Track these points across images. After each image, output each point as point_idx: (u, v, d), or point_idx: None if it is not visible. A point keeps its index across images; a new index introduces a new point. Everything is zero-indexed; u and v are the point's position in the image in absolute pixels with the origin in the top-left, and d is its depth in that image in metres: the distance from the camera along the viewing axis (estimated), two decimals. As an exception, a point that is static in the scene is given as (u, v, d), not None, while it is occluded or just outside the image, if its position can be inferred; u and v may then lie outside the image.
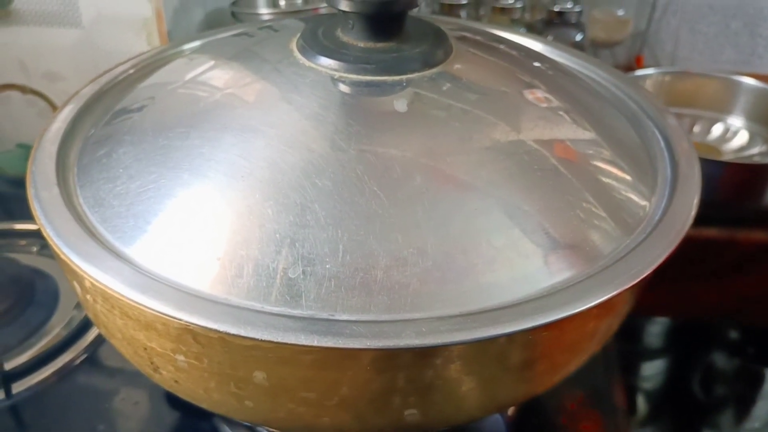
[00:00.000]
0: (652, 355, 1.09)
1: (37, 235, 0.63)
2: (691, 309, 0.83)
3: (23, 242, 0.63)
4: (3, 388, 0.47)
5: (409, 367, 0.28)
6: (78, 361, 0.51)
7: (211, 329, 0.27)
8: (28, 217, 0.63)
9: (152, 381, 0.34)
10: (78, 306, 0.56)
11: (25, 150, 0.71)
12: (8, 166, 0.73)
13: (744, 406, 0.98)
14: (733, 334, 1.03)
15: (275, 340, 0.27)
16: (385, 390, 0.29)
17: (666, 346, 1.08)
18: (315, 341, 0.27)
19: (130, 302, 0.28)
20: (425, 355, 0.28)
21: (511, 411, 0.46)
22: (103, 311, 0.31)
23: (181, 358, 0.30)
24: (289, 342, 0.27)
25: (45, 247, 0.62)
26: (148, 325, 0.29)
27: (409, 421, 0.30)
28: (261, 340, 0.27)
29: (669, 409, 1.03)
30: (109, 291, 0.29)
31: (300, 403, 0.29)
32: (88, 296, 0.31)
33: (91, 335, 0.53)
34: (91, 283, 0.30)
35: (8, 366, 0.49)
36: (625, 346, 1.07)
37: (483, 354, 0.28)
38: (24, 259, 0.61)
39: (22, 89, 0.67)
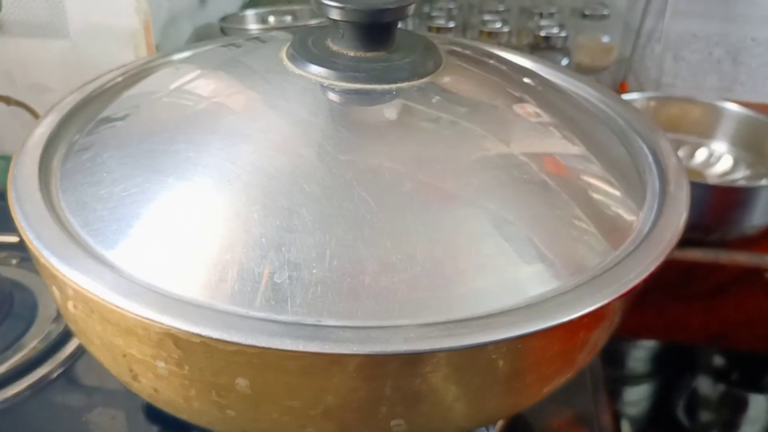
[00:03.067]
0: (636, 380, 1.09)
1: (17, 247, 0.62)
2: (676, 332, 0.83)
3: (3, 254, 0.62)
4: (-23, 401, 0.46)
5: (397, 374, 0.27)
6: (54, 375, 0.50)
7: (193, 333, 0.27)
8: (8, 229, 0.62)
9: (130, 393, 0.33)
10: (56, 319, 0.55)
11: (8, 162, 0.70)
12: (-10, 178, 0.72)
13: (728, 431, 0.98)
14: (718, 360, 1.04)
15: (260, 345, 0.26)
16: (372, 398, 0.28)
17: (650, 371, 1.08)
18: (301, 346, 0.26)
19: (110, 306, 0.28)
20: (413, 362, 0.27)
21: (498, 428, 0.45)
22: (82, 316, 0.30)
23: (161, 364, 0.29)
24: (274, 347, 0.26)
25: (25, 260, 0.61)
26: (128, 330, 0.28)
27: (395, 432, 0.30)
28: (245, 345, 0.26)
29: (653, 436, 1.02)
30: (89, 294, 0.28)
31: (284, 412, 0.29)
32: (68, 301, 0.31)
33: (68, 349, 0.52)
34: (71, 286, 0.29)
35: (-7, 374, 0.47)
36: (610, 371, 1.07)
37: (472, 362, 0.28)
38: (3, 271, 0.59)
39: (7, 100, 0.66)
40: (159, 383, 0.30)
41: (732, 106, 0.86)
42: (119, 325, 0.28)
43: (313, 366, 0.27)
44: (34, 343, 0.52)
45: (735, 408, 1.03)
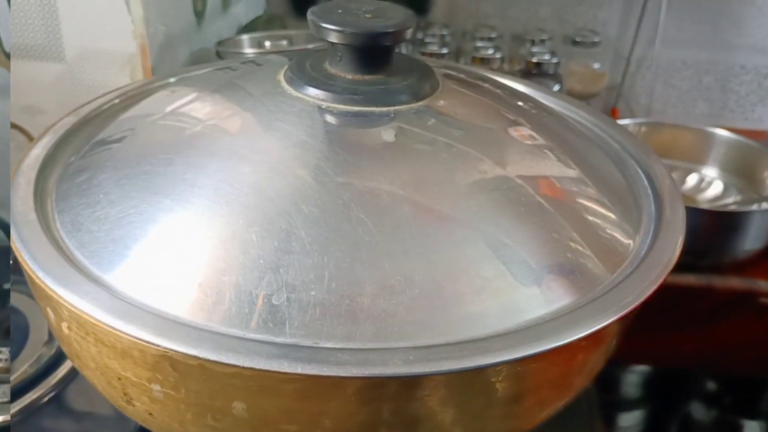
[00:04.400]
0: (629, 405, 1.08)
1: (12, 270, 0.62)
2: (669, 357, 0.83)
3: (-6, 277, 0.61)
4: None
5: (395, 398, 0.27)
6: (45, 399, 0.50)
7: (190, 356, 0.26)
8: None
9: (122, 419, 0.33)
10: (47, 343, 0.54)
11: None
12: (-19, 201, 0.71)
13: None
14: (710, 385, 1.03)
15: (257, 367, 0.26)
16: (370, 422, 0.28)
17: (643, 397, 1.07)
18: (299, 369, 0.26)
19: (106, 327, 0.27)
20: (412, 385, 0.27)
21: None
22: (76, 338, 0.30)
23: (157, 387, 0.28)
24: (271, 369, 0.26)
25: (17, 283, 0.61)
26: (123, 352, 0.28)
27: (393, 457, 0.29)
28: (242, 367, 0.26)
29: (646, 465, 1.01)
30: (84, 316, 0.28)
31: (281, 436, 0.28)
32: (63, 323, 0.30)
33: (60, 373, 0.52)
34: (65, 307, 0.28)
35: (-26, 403, 0.47)
36: (605, 396, 1.06)
37: (470, 385, 0.28)
38: (-7, 293, 0.59)
39: (1, 122, 0.66)
40: (154, 407, 0.30)
41: (722, 132, 0.87)
42: (115, 347, 0.28)
43: (310, 389, 0.27)
44: (24, 367, 0.51)
45: (729, 435, 1.03)
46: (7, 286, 0.61)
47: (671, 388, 1.05)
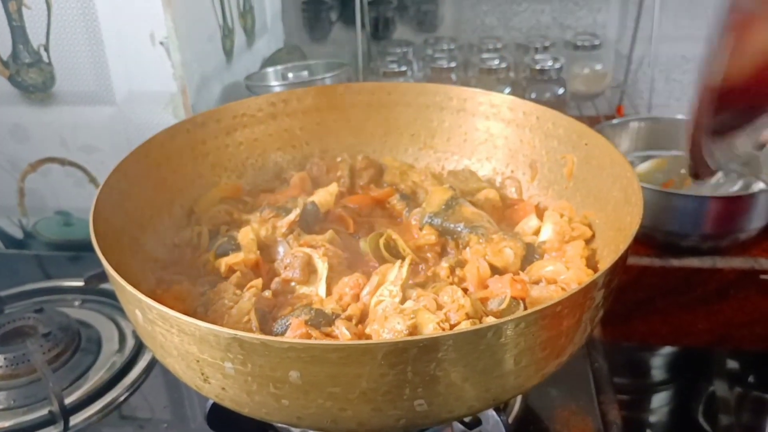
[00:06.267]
0: (655, 388, 1.13)
1: (79, 290, 0.70)
2: (683, 336, 0.88)
3: (68, 297, 0.70)
4: (63, 420, 0.53)
5: (416, 360, 0.34)
6: (122, 398, 0.57)
7: (255, 337, 0.34)
8: (66, 276, 0.70)
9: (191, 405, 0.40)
10: (119, 351, 0.62)
11: (63, 217, 0.79)
12: (47, 232, 0.80)
13: (750, 433, 1.02)
14: (731, 364, 1.08)
15: (306, 343, 0.33)
16: (397, 382, 0.35)
17: (669, 378, 1.12)
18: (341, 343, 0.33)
19: (188, 321, 0.35)
20: (428, 349, 0.34)
21: (511, 419, 0.51)
22: (161, 332, 0.38)
23: (228, 365, 0.36)
24: (318, 343, 0.33)
25: (87, 301, 0.69)
26: (201, 338, 0.36)
27: (419, 411, 0.36)
28: (295, 342, 0.33)
29: (676, 441, 1.06)
30: (171, 313, 0.36)
31: (328, 397, 0.36)
32: (149, 321, 0.38)
33: (132, 375, 0.59)
34: (154, 308, 0.36)
35: (67, 401, 0.55)
36: (630, 381, 1.11)
37: (474, 346, 0.35)
38: (68, 311, 0.67)
39: (62, 162, 0.75)
40: (226, 382, 0.37)
41: (720, 122, 0.92)
42: (194, 335, 0.36)
43: (349, 356, 0.34)
44: (101, 373, 0.59)
45: (754, 410, 1.07)
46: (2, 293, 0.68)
47: (695, 369, 1.10)
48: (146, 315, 0.38)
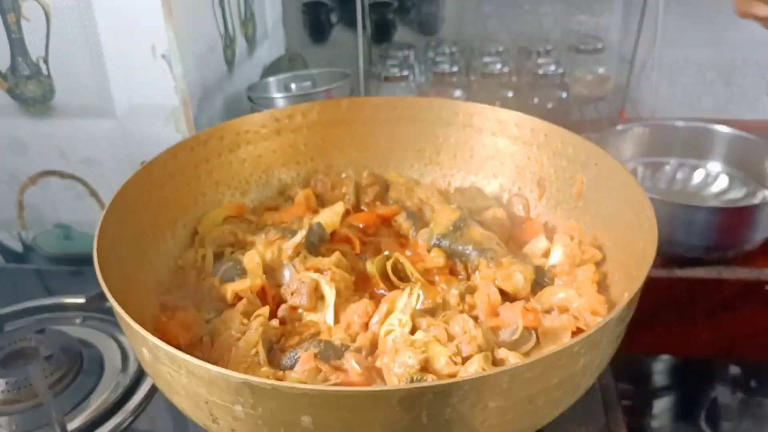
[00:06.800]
0: (657, 393, 1.13)
1: (80, 308, 0.69)
2: (687, 347, 0.88)
3: (69, 314, 0.68)
4: (66, 448, 0.52)
5: (431, 405, 0.34)
6: (127, 423, 0.56)
7: (266, 382, 0.33)
8: (66, 291, 0.69)
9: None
10: (122, 371, 0.61)
11: (62, 230, 0.78)
12: (46, 245, 0.79)
13: (752, 439, 1.01)
14: (734, 369, 1.07)
15: (320, 388, 0.33)
16: (412, 427, 0.34)
17: (671, 384, 1.12)
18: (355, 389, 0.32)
19: (197, 364, 0.34)
20: (444, 394, 0.33)
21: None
22: (170, 372, 0.37)
23: (238, 408, 0.35)
24: (332, 389, 0.32)
25: (88, 318, 0.68)
26: (211, 381, 0.35)
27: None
28: (309, 389, 0.33)
29: (679, 448, 1.06)
30: (179, 355, 0.35)
31: (340, 442, 0.35)
32: (156, 360, 0.37)
33: (137, 398, 0.58)
34: (163, 349, 0.35)
35: (71, 427, 0.53)
36: (632, 387, 1.11)
37: (492, 390, 0.34)
38: (70, 330, 0.66)
39: (61, 175, 0.74)
40: (236, 424, 0.36)
41: (722, 128, 0.91)
42: (203, 377, 0.35)
43: (363, 402, 0.33)
44: (105, 395, 0.58)
45: (757, 416, 1.07)
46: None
47: (697, 375, 1.10)
48: (154, 354, 0.37)
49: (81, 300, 0.67)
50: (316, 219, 0.54)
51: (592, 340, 0.36)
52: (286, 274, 0.51)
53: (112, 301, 0.39)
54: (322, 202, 0.61)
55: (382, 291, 0.50)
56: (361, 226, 0.58)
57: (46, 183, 0.75)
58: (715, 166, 0.92)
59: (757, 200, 0.85)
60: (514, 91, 1.04)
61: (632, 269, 0.47)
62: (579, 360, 0.37)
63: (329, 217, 0.54)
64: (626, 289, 0.48)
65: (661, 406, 1.16)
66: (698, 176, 0.92)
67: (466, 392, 0.34)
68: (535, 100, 1.04)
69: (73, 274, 0.77)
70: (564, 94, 1.05)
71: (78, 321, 0.68)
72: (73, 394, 0.58)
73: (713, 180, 0.91)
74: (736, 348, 0.87)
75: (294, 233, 0.53)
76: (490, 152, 0.61)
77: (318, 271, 0.50)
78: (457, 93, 1.03)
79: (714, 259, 0.81)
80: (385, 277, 0.51)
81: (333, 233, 0.55)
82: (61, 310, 0.69)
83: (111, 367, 0.62)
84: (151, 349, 0.37)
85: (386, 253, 0.52)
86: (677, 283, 0.84)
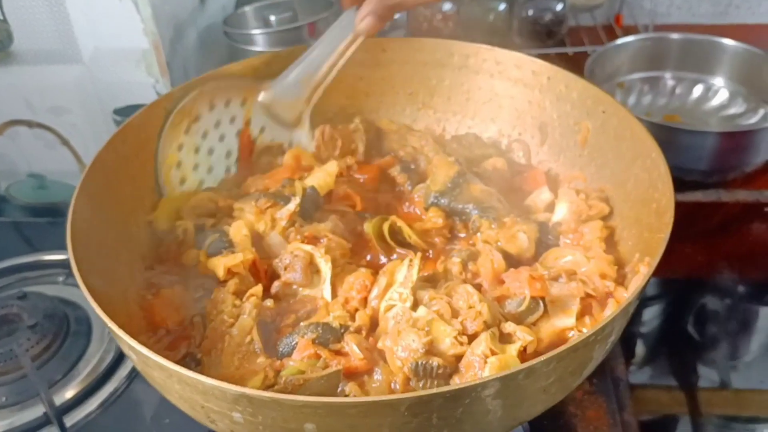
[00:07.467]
0: (648, 301, 1.14)
1: (62, 265, 0.66)
2: (682, 268, 0.87)
3: (50, 272, 0.65)
4: (57, 424, 0.50)
5: (441, 408, 0.32)
6: (121, 390, 0.55)
7: (265, 395, 0.31)
8: (47, 246, 0.66)
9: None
10: (112, 339, 0.59)
11: (37, 180, 0.74)
12: (21, 195, 0.75)
13: (737, 342, 1.03)
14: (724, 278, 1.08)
15: (324, 401, 0.31)
16: (421, 428, 0.33)
17: (661, 292, 1.12)
18: (360, 399, 0.30)
19: (190, 375, 0.32)
20: (455, 397, 0.32)
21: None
22: (160, 377, 0.35)
23: (237, 415, 0.33)
24: (336, 402, 0.30)
25: (71, 276, 0.65)
26: (205, 391, 0.33)
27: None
28: (312, 402, 0.31)
29: (666, 350, 1.08)
30: (167, 365, 0.33)
31: (347, 447, 0.33)
32: (146, 366, 0.35)
33: (129, 363, 0.56)
34: (151, 358, 0.33)
35: (58, 401, 0.52)
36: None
37: (505, 388, 0.32)
38: (52, 290, 0.63)
39: (29, 124, 0.69)
40: (235, 427, 0.35)
41: (728, 41, 0.87)
42: (197, 387, 0.33)
43: (370, 410, 0.31)
44: (95, 361, 0.56)
45: (742, 320, 1.08)
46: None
47: (686, 283, 1.10)
48: (143, 362, 0.35)
49: (63, 256, 0.64)
50: (309, 182, 0.50)
51: (606, 329, 0.34)
52: (276, 241, 0.48)
53: (91, 301, 0.36)
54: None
55: (381, 259, 0.47)
56: (362, 179, 0.54)
57: (14, 133, 0.70)
58: (716, 80, 0.89)
59: (757, 117, 0.82)
60: (507, 2, 0.98)
61: (644, 231, 0.44)
62: (594, 346, 0.35)
63: (322, 178, 0.50)
64: (637, 248, 0.46)
65: (651, 313, 1.17)
66: (697, 91, 0.89)
67: (478, 393, 0.32)
68: (530, 12, 0.98)
69: (51, 225, 0.73)
70: (560, 6, 0.99)
71: (61, 279, 0.65)
72: (61, 361, 0.56)
73: (713, 95, 0.88)
74: (732, 270, 0.86)
75: (286, 199, 0.49)
76: (488, 95, 0.57)
77: (314, 239, 0.47)
78: (447, 6, 0.96)
79: (713, 183, 0.79)
80: (381, 239, 0.48)
81: (329, 193, 0.51)
82: (42, 268, 0.66)
83: (99, 329, 0.59)
84: (139, 358, 0.35)
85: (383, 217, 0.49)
86: (677, 205, 0.82)
